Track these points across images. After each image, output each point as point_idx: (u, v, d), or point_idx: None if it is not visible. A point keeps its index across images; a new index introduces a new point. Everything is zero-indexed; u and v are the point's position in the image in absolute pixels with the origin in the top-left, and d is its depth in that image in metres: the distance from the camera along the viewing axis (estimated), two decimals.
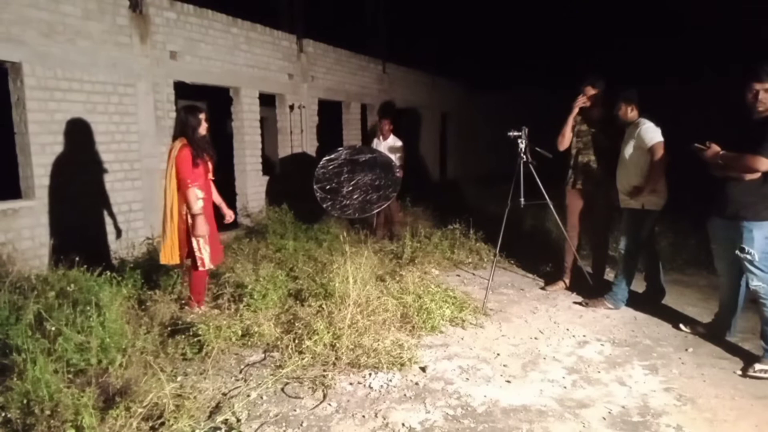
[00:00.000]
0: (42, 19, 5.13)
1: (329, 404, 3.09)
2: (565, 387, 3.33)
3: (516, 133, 5.10)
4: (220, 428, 2.75)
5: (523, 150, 5.08)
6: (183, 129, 4.20)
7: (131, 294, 4.17)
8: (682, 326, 4.25)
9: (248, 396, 3.08)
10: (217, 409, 2.95)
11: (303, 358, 3.47)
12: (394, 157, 7.29)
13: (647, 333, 4.22)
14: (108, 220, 5.76)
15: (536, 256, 6.20)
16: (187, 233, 4.19)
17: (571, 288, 5.28)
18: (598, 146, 5.00)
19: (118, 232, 5.74)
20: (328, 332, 3.67)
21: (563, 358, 3.76)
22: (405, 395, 3.20)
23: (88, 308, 3.38)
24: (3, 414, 2.59)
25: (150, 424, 2.63)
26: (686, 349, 3.89)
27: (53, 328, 3.17)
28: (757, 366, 3.47)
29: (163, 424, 2.64)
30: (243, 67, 7.67)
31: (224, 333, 3.67)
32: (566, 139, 5.11)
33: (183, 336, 3.64)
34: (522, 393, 3.25)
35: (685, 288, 5.39)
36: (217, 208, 4.52)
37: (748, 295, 3.82)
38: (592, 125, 5.05)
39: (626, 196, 4.58)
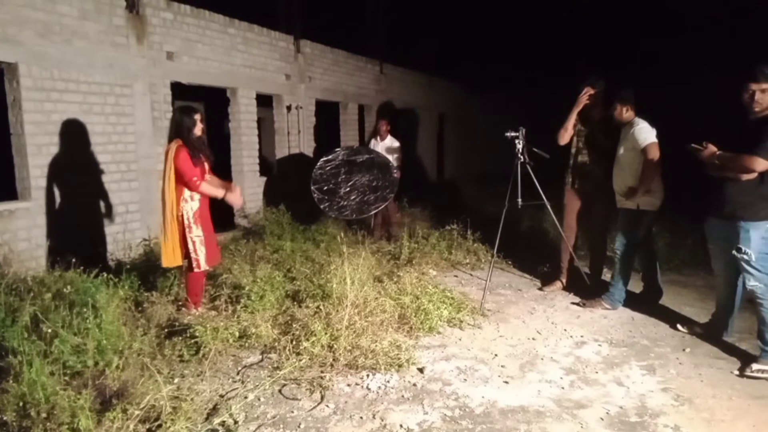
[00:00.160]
0: (38, 20, 5.12)
1: (327, 406, 3.08)
2: (562, 387, 3.34)
3: (513, 134, 5.09)
4: (217, 430, 2.74)
5: (520, 150, 5.08)
6: (178, 130, 4.19)
7: (128, 296, 4.15)
8: (679, 326, 4.26)
9: (245, 398, 3.07)
10: (214, 411, 2.94)
11: (300, 360, 3.46)
12: (392, 158, 7.29)
13: (645, 333, 4.23)
14: (105, 221, 5.74)
15: (534, 256, 6.20)
16: (184, 234, 4.18)
17: (568, 288, 5.29)
18: (597, 146, 4.98)
19: (115, 234, 5.72)
20: (326, 333, 3.66)
21: (561, 358, 3.76)
22: (403, 396, 3.20)
23: (85, 310, 3.37)
24: None
25: (147, 427, 2.62)
26: (684, 350, 3.89)
27: (49, 330, 3.16)
28: (755, 366, 3.47)
29: (160, 426, 2.63)
30: (240, 68, 7.65)
31: (221, 334, 3.66)
32: (568, 133, 5.03)
33: (180, 338, 3.63)
34: (520, 394, 3.25)
35: (683, 288, 5.40)
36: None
37: (745, 295, 3.82)
38: (591, 125, 5.04)
39: (622, 197, 4.59)
